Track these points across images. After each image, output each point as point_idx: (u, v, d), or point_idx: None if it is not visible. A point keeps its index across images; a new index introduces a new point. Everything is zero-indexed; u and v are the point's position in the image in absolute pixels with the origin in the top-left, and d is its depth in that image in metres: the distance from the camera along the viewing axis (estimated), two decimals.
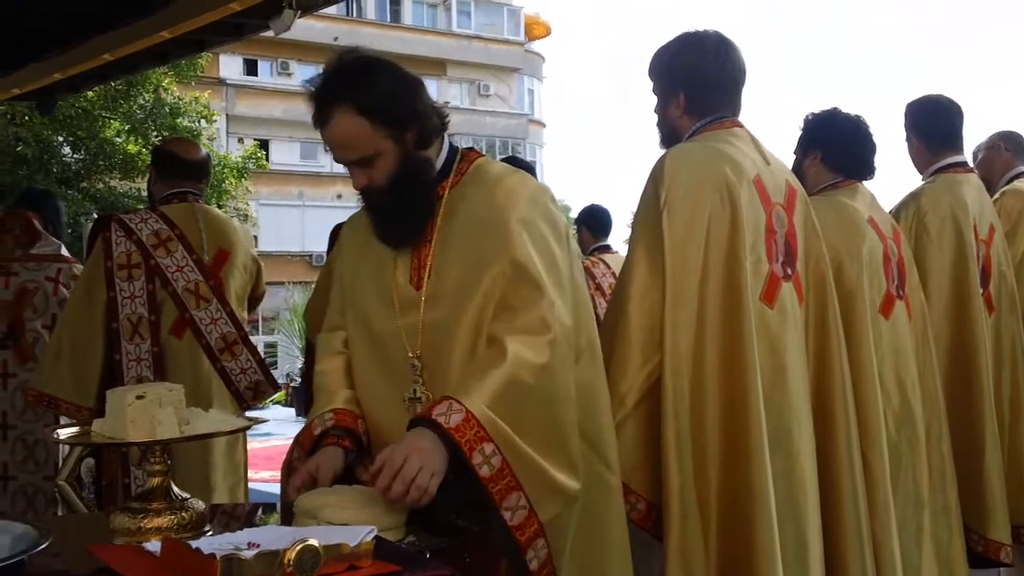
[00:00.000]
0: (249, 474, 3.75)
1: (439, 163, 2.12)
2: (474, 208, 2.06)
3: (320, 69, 2.10)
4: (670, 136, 2.65)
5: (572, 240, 2.16)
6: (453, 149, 2.17)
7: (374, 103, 1.98)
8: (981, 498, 3.26)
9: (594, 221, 5.97)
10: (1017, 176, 4.12)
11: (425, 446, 1.75)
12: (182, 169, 3.57)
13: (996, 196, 3.92)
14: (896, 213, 3.46)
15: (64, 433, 1.92)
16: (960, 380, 3.33)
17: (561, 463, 1.87)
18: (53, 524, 2.24)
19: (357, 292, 2.17)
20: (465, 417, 1.77)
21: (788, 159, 3.03)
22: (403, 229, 2.09)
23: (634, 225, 2.48)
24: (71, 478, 4.22)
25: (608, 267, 5.58)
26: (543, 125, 38.13)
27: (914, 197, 3.52)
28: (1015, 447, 3.46)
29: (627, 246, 2.52)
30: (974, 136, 4.24)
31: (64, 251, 4.32)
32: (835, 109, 3.23)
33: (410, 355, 2.03)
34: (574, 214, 6.58)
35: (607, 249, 5.96)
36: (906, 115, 3.73)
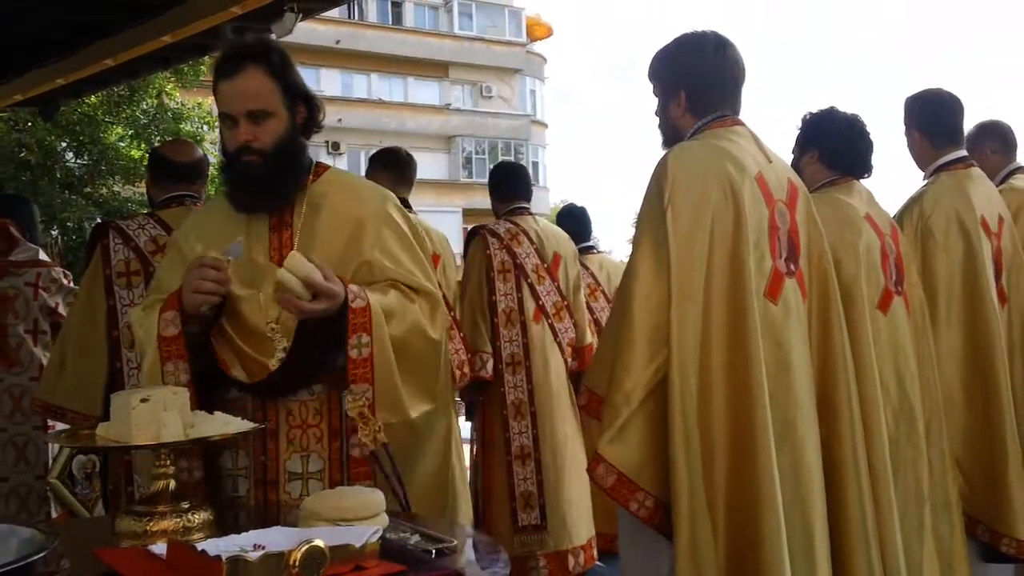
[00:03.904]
0: None
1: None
2: (339, 206, 2.38)
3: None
4: (672, 136, 2.65)
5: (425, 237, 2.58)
6: (310, 158, 2.45)
7: (280, 68, 2.32)
8: (1004, 500, 3.23)
9: (571, 222, 5.88)
10: (1011, 174, 4.09)
11: (331, 308, 2.17)
12: (174, 172, 3.56)
13: None
14: (899, 218, 3.43)
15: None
16: (978, 383, 3.31)
17: (415, 392, 2.27)
18: (59, 528, 2.24)
19: None
20: (365, 306, 2.20)
21: None
22: (266, 194, 2.33)
23: (638, 224, 2.48)
24: (63, 476, 4.25)
25: (586, 269, 5.48)
26: (545, 126, 38.06)
27: (915, 201, 3.50)
28: None
29: (631, 245, 2.53)
30: None
31: (42, 255, 4.35)
32: (832, 108, 3.24)
33: (269, 323, 2.28)
34: None
35: (589, 251, 5.90)
36: (908, 109, 3.68)
